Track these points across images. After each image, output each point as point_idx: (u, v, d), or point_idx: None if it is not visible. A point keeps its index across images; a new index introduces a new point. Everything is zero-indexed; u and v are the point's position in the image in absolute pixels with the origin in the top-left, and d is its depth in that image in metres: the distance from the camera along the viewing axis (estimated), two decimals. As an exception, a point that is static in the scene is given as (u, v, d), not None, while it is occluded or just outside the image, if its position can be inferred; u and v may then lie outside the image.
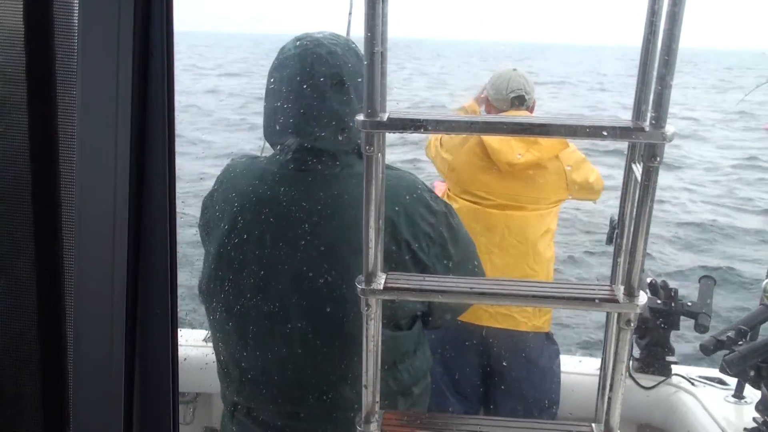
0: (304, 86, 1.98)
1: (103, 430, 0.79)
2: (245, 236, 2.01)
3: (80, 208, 0.74)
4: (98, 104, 0.77)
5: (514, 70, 3.62)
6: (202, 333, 3.69)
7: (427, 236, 2.03)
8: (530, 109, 3.59)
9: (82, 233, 0.75)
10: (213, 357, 2.27)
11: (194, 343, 3.56)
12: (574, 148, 3.54)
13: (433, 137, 3.68)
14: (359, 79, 2.06)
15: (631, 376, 3.45)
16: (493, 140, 3.33)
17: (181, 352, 3.43)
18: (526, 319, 3.43)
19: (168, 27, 0.80)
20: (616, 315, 1.42)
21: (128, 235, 0.75)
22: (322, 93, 1.98)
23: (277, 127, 2.04)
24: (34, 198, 0.75)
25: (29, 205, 0.75)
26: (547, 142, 3.36)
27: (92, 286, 0.77)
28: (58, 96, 0.77)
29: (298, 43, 2.04)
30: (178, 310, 0.83)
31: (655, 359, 3.48)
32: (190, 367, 3.38)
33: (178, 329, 3.13)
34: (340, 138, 2.01)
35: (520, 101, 3.51)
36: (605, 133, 1.25)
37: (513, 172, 3.35)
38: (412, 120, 1.26)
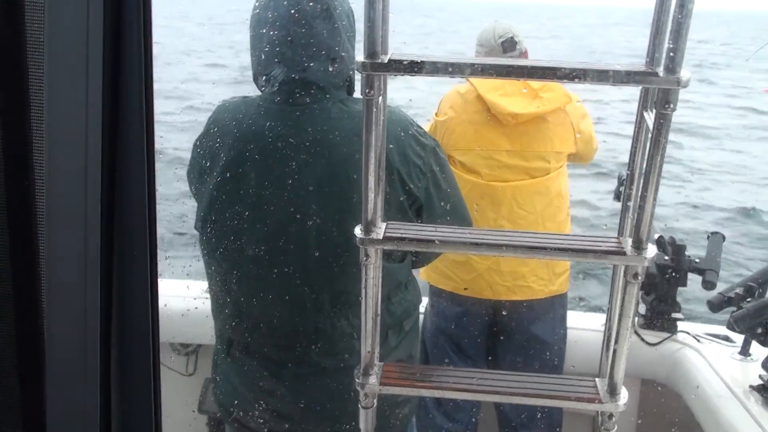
0: (291, 12, 1.92)
1: (78, 380, 0.76)
2: (237, 174, 1.99)
3: (51, 143, 0.70)
4: (67, 41, 0.72)
5: (495, 20, 3.53)
6: (204, 284, 3.67)
7: (418, 168, 2.02)
8: (523, 55, 3.50)
9: (53, 171, 0.71)
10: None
11: (195, 294, 3.55)
12: (578, 99, 3.46)
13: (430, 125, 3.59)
14: (348, 7, 2.03)
15: (636, 332, 3.43)
16: (492, 95, 3.26)
17: (182, 303, 3.43)
18: (543, 287, 3.39)
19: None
20: (623, 268, 1.38)
21: (102, 174, 0.71)
22: (310, 21, 1.92)
23: (263, 57, 1.99)
24: (4, 133, 0.71)
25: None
26: (550, 95, 3.28)
27: (65, 228, 0.73)
28: (27, 37, 0.72)
29: None
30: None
31: (660, 316, 3.46)
32: (193, 317, 3.37)
33: (183, 281, 3.10)
34: (330, 69, 1.96)
35: (511, 44, 3.38)
36: (618, 77, 1.20)
37: (516, 126, 3.27)
38: (413, 62, 1.20)
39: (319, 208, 1.94)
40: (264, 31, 1.96)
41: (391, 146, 1.95)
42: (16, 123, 0.72)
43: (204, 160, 2.07)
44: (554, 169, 3.35)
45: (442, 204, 2.09)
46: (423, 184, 2.03)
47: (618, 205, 1.77)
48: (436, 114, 3.51)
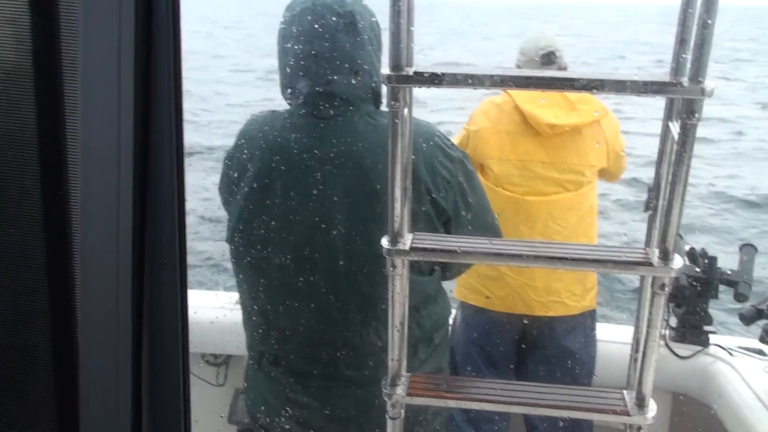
0: (315, 26, 1.96)
1: (111, 387, 0.78)
2: (264, 186, 2.02)
3: (84, 153, 0.72)
4: (100, 43, 0.75)
5: (541, 32, 3.54)
6: (235, 295, 3.71)
7: (446, 181, 2.02)
8: (563, 70, 3.49)
9: (87, 180, 0.73)
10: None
11: (226, 305, 3.58)
12: (613, 116, 3.47)
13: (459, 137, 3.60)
14: (373, 20, 2.05)
15: (667, 345, 3.39)
16: (530, 106, 3.27)
17: (212, 313, 3.46)
18: (576, 302, 3.38)
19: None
20: (650, 279, 1.38)
21: (134, 184, 0.73)
22: (333, 35, 1.95)
23: (288, 70, 2.02)
24: (41, 139, 0.73)
25: (36, 146, 0.73)
26: (586, 108, 3.30)
27: (97, 237, 0.75)
28: (62, 48, 0.75)
29: None
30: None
31: (692, 329, 3.41)
32: (223, 329, 3.40)
33: (212, 291, 3.14)
34: (353, 82, 1.98)
35: (551, 58, 3.39)
36: (636, 88, 1.20)
37: (553, 137, 3.27)
38: (439, 74, 1.22)
39: (345, 220, 1.96)
40: (289, 45, 1.99)
41: (417, 157, 1.96)
42: (50, 134, 0.75)
43: (234, 173, 2.10)
44: (587, 183, 3.34)
45: (470, 216, 2.09)
46: (450, 196, 2.04)
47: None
48: (467, 124, 3.52)
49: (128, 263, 0.75)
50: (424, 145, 2.00)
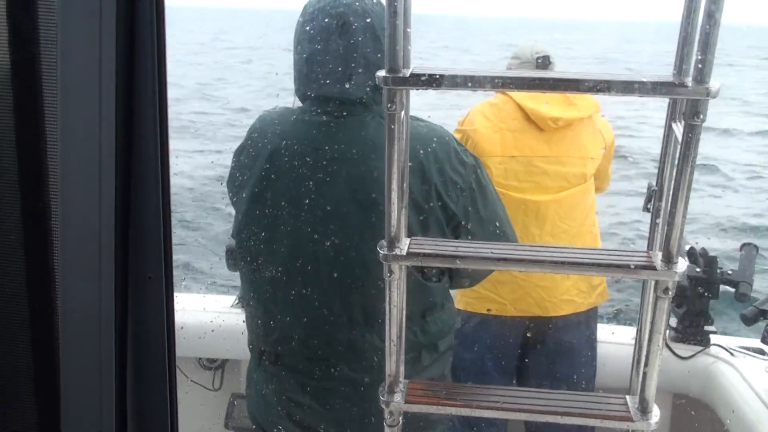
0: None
1: (93, 401, 0.75)
2: (272, 184, 2.02)
3: (64, 161, 0.69)
4: (80, 43, 0.72)
5: (534, 40, 3.60)
6: (231, 299, 3.69)
7: (456, 185, 2.01)
8: None
9: (66, 191, 0.70)
10: (240, 323, 2.27)
11: (222, 309, 3.56)
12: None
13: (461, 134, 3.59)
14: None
15: (667, 345, 3.37)
16: (531, 102, 3.28)
17: (207, 317, 3.44)
18: (583, 299, 3.38)
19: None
20: (653, 283, 1.35)
21: (116, 195, 0.70)
22: (346, 35, 1.95)
23: (299, 69, 2.03)
24: (19, 149, 0.70)
25: (14, 158, 0.70)
26: (583, 102, 3.34)
27: (78, 250, 0.72)
28: (41, 41, 0.72)
29: None
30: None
31: (693, 329, 3.39)
32: (219, 333, 3.37)
33: (210, 294, 3.13)
34: (367, 82, 1.98)
35: (546, 63, 3.44)
36: (644, 89, 1.17)
37: (555, 131, 3.29)
38: (436, 76, 1.19)
39: (350, 218, 1.95)
40: (300, 45, 2.01)
41: (429, 161, 1.96)
42: (29, 146, 0.72)
43: (241, 169, 2.10)
44: (589, 177, 3.36)
45: (481, 223, 2.07)
46: (461, 201, 2.02)
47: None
48: (462, 125, 3.51)
49: (111, 277, 0.72)
50: (436, 148, 1.98)
